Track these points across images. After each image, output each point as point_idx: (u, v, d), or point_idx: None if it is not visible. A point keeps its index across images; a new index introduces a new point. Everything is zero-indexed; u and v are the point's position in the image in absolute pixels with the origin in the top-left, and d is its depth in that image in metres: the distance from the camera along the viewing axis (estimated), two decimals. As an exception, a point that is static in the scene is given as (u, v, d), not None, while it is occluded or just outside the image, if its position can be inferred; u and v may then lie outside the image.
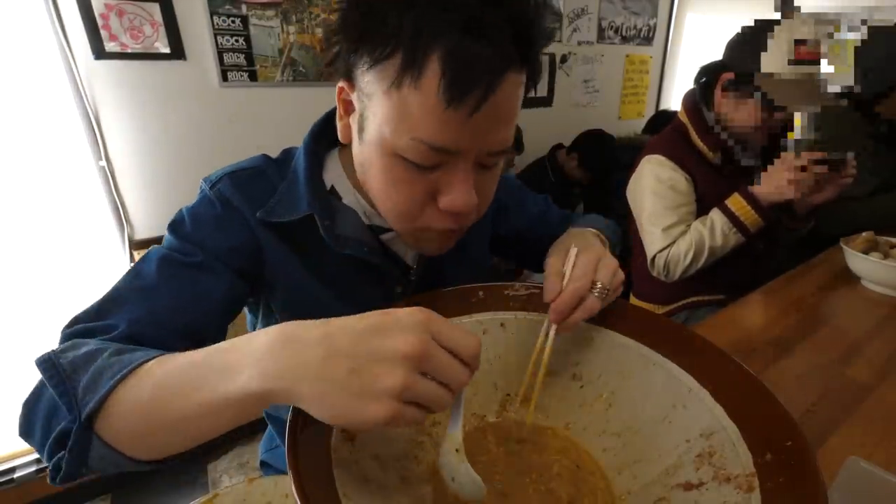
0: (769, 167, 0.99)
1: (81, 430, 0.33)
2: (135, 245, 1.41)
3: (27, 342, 1.34)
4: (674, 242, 1.08)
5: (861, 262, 0.96)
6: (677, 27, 2.81)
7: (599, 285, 0.46)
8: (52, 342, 0.40)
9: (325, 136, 0.57)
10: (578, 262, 0.47)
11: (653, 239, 1.10)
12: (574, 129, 2.12)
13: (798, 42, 0.88)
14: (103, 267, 1.40)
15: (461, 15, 0.36)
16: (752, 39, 0.97)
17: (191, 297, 0.46)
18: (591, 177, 2.03)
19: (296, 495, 0.29)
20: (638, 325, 0.50)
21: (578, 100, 2.50)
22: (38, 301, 1.33)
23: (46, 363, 0.36)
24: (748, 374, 0.41)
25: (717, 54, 1.09)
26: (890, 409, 0.65)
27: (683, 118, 1.14)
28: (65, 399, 0.34)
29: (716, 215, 1.04)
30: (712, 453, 0.38)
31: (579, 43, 2.36)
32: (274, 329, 0.32)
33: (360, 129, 0.45)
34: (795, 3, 0.95)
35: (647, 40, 2.69)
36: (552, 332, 0.47)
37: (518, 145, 1.82)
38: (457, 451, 0.34)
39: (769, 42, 0.92)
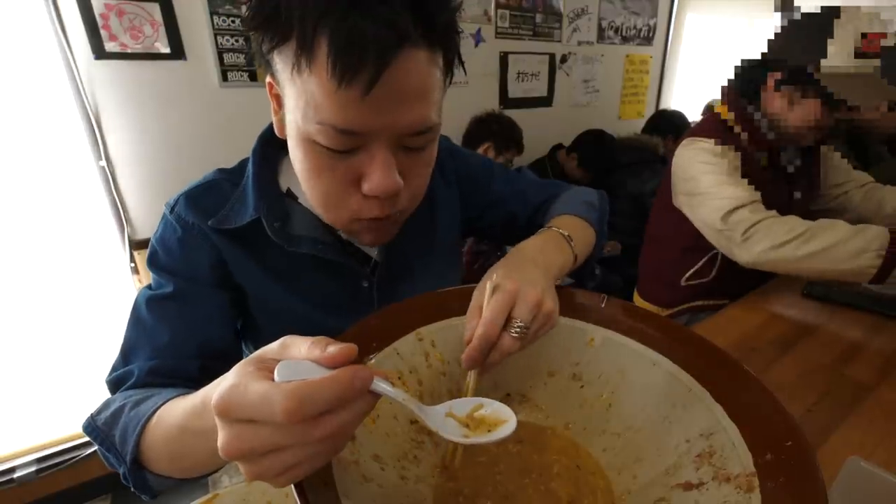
0: None
1: (132, 471, 0.41)
2: (135, 245, 1.40)
3: (27, 342, 1.33)
4: (755, 203, 0.92)
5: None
6: (677, 27, 2.80)
7: (519, 323, 0.40)
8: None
9: (278, 141, 0.56)
10: (491, 301, 0.40)
11: (726, 193, 0.95)
12: (574, 129, 2.12)
13: (864, 34, 0.80)
14: (103, 267, 1.40)
15: None
16: (808, 32, 0.88)
17: (183, 326, 0.49)
18: (591, 177, 2.03)
19: (295, 495, 0.29)
20: (638, 325, 0.50)
21: (578, 100, 2.49)
22: (38, 301, 1.33)
23: (89, 427, 0.44)
24: (748, 374, 0.41)
25: (717, 54, 1.07)
26: (890, 409, 0.65)
27: (726, 116, 1.05)
28: (111, 452, 0.42)
29: (875, 228, 0.82)
30: (712, 453, 0.38)
31: (579, 43, 2.35)
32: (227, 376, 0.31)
33: (284, 121, 0.45)
34: (796, 3, 0.94)
35: (647, 40, 2.68)
36: (472, 375, 0.41)
37: (517, 145, 1.81)
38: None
39: (833, 33, 0.83)
